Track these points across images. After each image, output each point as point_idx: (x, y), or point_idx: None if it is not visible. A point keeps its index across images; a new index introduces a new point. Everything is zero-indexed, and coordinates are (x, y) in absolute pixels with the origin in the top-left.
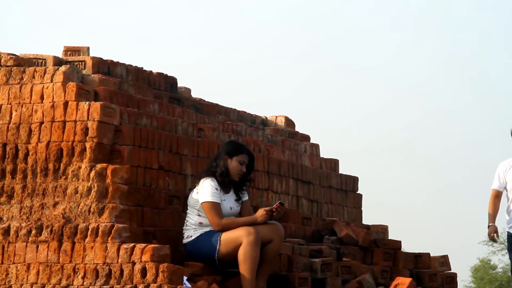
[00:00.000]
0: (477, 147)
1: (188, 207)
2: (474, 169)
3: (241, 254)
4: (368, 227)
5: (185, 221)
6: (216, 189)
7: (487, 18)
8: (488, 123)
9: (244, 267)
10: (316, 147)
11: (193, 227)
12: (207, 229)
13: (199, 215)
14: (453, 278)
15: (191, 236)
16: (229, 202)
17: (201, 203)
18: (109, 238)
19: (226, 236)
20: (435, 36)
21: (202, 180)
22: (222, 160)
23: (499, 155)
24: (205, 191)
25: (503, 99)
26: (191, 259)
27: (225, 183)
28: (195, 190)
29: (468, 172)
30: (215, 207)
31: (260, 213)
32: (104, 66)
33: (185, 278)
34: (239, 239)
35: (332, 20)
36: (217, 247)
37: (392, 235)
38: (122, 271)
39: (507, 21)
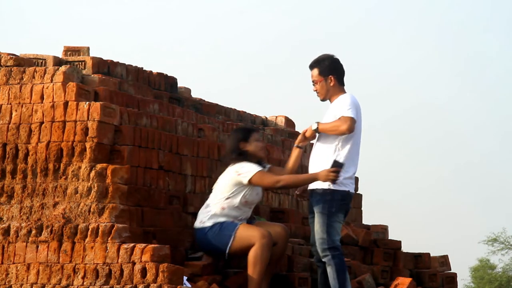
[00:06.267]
0: (476, 145)
1: (215, 192)
2: (474, 168)
3: (252, 256)
4: (368, 227)
5: (206, 204)
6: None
7: (472, 4)
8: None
9: (253, 270)
10: None
11: (211, 213)
12: (222, 219)
13: (227, 198)
14: (453, 278)
15: (203, 222)
16: (245, 194)
17: (251, 178)
18: (109, 238)
19: (241, 233)
20: (425, 27)
21: (237, 164)
22: (238, 149)
23: (497, 152)
24: (247, 167)
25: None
26: (199, 246)
27: None
28: (229, 171)
29: (468, 172)
30: (265, 173)
31: (325, 173)
32: (104, 66)
33: (185, 278)
34: (252, 239)
35: (332, 19)
36: (230, 242)
37: (392, 235)
38: (122, 271)
39: (492, 7)
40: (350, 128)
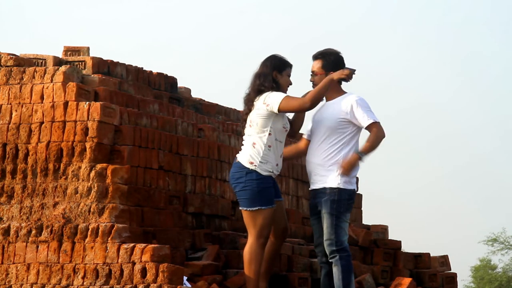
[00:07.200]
0: (476, 145)
1: (255, 128)
2: (474, 168)
3: (247, 253)
4: (368, 227)
5: (251, 141)
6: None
7: (471, 4)
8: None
9: (249, 269)
10: None
11: (261, 153)
12: (270, 168)
13: (270, 134)
14: (453, 278)
15: (254, 165)
16: (282, 121)
17: (279, 105)
18: (109, 238)
19: (256, 215)
20: (422, 24)
21: (264, 95)
22: (271, 76)
23: (497, 151)
24: (273, 96)
25: (501, 95)
26: (232, 175)
27: None
28: (259, 106)
29: (468, 172)
30: (290, 97)
31: (337, 72)
32: (104, 66)
33: (185, 278)
34: (253, 230)
35: (331, 18)
36: (245, 208)
37: (392, 235)
38: (122, 271)
39: (492, 7)
40: (384, 132)
